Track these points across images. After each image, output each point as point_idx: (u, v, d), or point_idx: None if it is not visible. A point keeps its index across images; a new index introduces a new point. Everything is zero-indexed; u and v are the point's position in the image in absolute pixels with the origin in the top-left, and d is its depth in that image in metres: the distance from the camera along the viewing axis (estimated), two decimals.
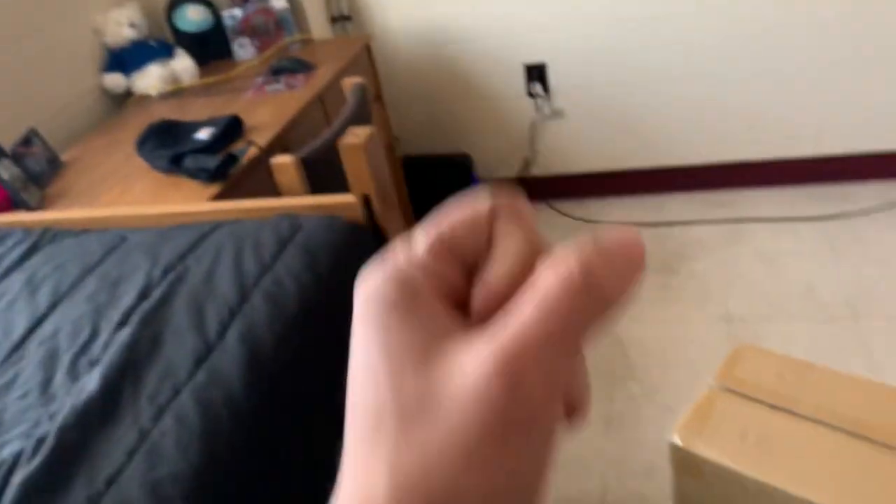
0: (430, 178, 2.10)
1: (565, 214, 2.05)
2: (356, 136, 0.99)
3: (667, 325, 1.60)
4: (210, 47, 1.78)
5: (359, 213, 0.98)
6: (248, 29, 1.77)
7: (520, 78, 1.94)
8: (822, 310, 1.55)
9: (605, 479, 1.28)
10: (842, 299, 1.56)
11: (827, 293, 1.59)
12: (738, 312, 1.59)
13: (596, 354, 1.54)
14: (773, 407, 0.74)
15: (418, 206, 2.03)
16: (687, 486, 0.77)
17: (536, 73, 1.92)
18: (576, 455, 1.34)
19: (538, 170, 2.09)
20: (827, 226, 1.79)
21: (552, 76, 1.92)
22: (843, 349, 1.44)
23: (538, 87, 1.94)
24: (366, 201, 0.99)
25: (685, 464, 0.75)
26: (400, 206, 1.92)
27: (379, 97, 1.92)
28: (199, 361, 0.75)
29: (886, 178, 1.87)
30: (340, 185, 1.01)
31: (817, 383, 0.76)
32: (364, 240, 0.96)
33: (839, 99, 1.79)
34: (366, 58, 1.84)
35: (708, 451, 0.72)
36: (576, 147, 2.04)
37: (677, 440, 0.74)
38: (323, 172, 1.07)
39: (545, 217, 2.06)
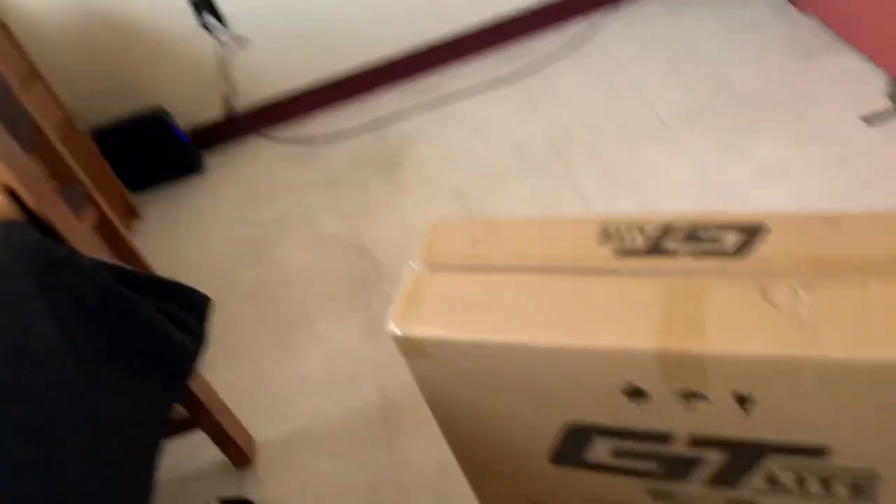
0: (131, 143, 1.93)
1: (283, 141, 1.99)
2: None
3: (404, 219, 1.63)
4: None
5: (8, 210, 0.86)
6: None
7: (186, 13, 1.80)
8: (535, 162, 1.65)
9: (380, 382, 1.31)
10: (549, 148, 1.67)
11: (536, 145, 1.69)
12: (465, 187, 1.65)
13: (343, 270, 1.54)
14: (472, 269, 0.77)
15: (127, 176, 1.87)
16: (420, 368, 0.79)
17: (203, 5, 1.80)
18: (348, 371, 1.34)
19: (242, 102, 1.99)
20: (522, 83, 1.88)
21: (222, 4, 1.81)
22: (559, 193, 1.55)
23: (210, 19, 1.82)
24: (12, 195, 0.87)
25: (410, 349, 0.76)
26: (104, 183, 1.75)
27: (36, 75, 1.70)
28: None
29: (560, 24, 1.99)
30: None
31: (506, 235, 0.80)
32: (20, 234, 0.85)
33: None
34: (3, 38, 1.61)
35: (423, 330, 0.74)
36: (272, 70, 1.96)
37: (396, 330, 0.75)
38: None
39: (263, 149, 1.99)
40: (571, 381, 0.72)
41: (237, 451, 1.22)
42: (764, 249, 0.69)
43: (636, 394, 0.70)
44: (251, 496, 1.19)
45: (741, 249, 0.70)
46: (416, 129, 1.86)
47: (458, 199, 1.62)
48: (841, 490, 0.73)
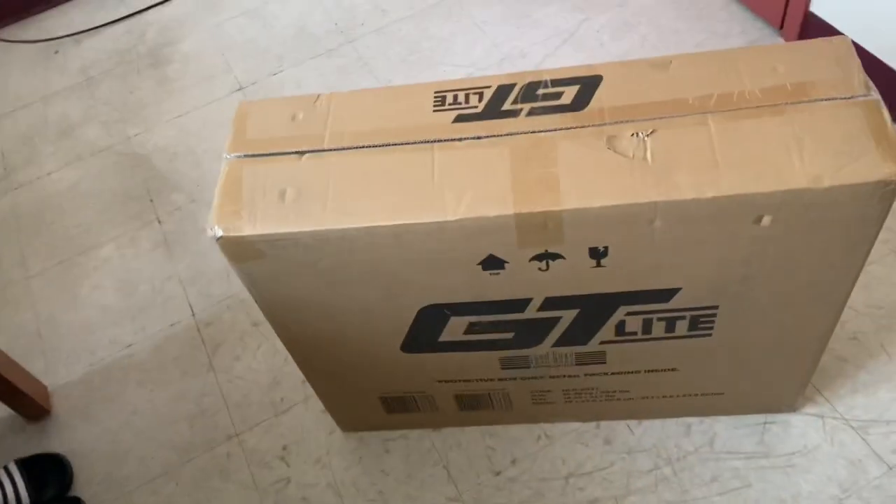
0: None
1: (19, 41, 1.67)
2: None
3: (182, 120, 1.45)
4: None
5: None
6: None
7: None
8: (321, 44, 1.53)
9: (190, 299, 1.18)
10: (334, 29, 1.55)
11: (320, 28, 1.56)
12: (247, 77, 1.50)
13: (119, 185, 1.36)
14: (298, 153, 0.68)
15: None
16: (252, 271, 0.70)
17: None
18: (147, 294, 1.20)
19: None
20: None
21: None
22: (350, 74, 1.46)
23: None
24: None
25: (239, 252, 0.67)
26: None
27: None
28: None
29: None
30: None
31: (330, 112, 0.71)
32: None
33: None
34: None
35: (254, 228, 0.65)
36: None
37: (219, 231, 0.65)
38: None
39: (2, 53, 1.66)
40: (425, 261, 0.67)
41: (30, 404, 1.05)
42: (602, 100, 0.67)
43: (494, 264, 0.67)
44: (56, 450, 1.04)
45: (579, 102, 0.68)
46: (177, 17, 1.64)
47: (241, 91, 1.47)
48: (681, 326, 0.76)
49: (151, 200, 1.33)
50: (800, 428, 0.93)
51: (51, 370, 1.14)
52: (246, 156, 0.69)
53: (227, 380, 1.09)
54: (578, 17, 1.46)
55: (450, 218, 0.63)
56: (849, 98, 0.63)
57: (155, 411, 1.08)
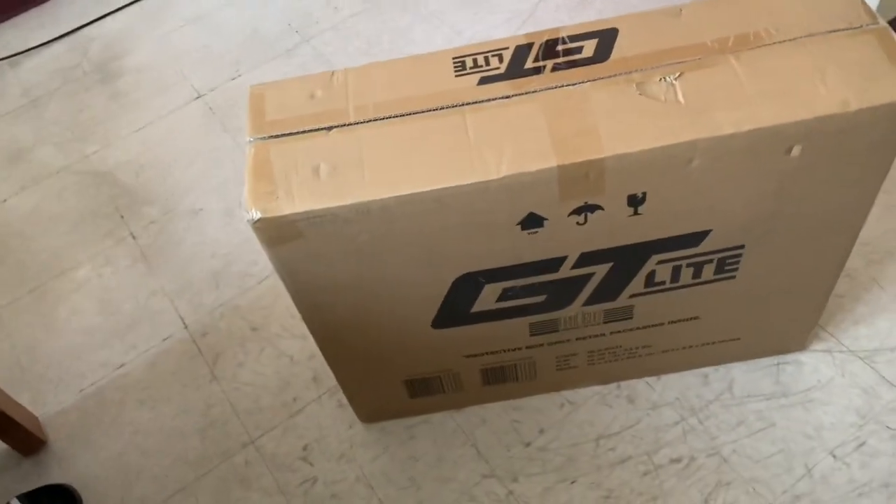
0: None
1: None
2: None
3: (143, 134, 1.40)
4: None
5: None
6: None
7: None
8: (279, 46, 1.50)
9: (180, 311, 1.14)
10: (289, 29, 1.53)
11: (274, 29, 1.54)
12: (205, 84, 1.46)
13: (85, 205, 1.30)
14: (326, 129, 0.67)
15: None
16: (290, 253, 0.67)
17: None
18: (133, 311, 1.15)
19: None
20: None
21: None
22: (312, 72, 1.43)
23: None
24: None
25: (278, 233, 0.65)
26: None
27: None
28: None
29: None
30: None
31: (350, 86, 0.70)
32: None
33: None
34: None
35: (293, 206, 0.63)
36: None
37: (256, 213, 0.63)
38: None
39: None
40: (465, 226, 0.67)
41: (24, 436, 0.99)
42: (623, 49, 0.68)
43: (534, 223, 0.67)
44: (59, 481, 0.98)
45: (601, 54, 0.68)
46: (120, 30, 1.59)
47: (200, 98, 1.43)
48: (708, 270, 0.78)
49: (122, 217, 1.28)
50: (811, 364, 0.96)
51: (39, 401, 1.08)
52: (270, 136, 0.67)
53: (234, 387, 1.05)
54: None
55: (493, 177, 0.63)
56: (859, 27, 0.65)
57: (161, 428, 1.03)
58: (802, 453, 0.89)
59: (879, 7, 1.11)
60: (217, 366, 1.08)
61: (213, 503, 0.96)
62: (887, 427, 0.90)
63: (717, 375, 0.96)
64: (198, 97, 1.44)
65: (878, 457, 0.88)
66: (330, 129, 0.67)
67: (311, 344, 1.04)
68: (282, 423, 1.01)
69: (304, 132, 0.67)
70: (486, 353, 0.87)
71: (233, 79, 1.46)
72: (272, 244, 0.66)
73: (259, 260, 1.16)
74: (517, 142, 0.64)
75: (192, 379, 1.07)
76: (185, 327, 1.13)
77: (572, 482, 0.91)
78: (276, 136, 0.67)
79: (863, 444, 0.89)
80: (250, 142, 0.67)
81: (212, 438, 1.01)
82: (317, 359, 1.04)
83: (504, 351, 0.87)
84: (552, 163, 0.62)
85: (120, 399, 1.06)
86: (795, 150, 0.64)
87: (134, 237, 1.25)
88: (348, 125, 0.67)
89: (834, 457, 0.89)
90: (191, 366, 1.08)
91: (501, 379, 0.92)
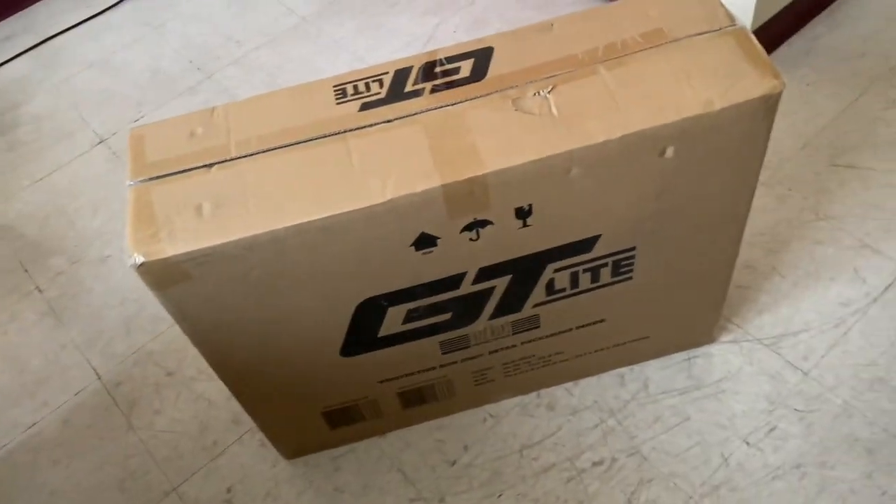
0: None
1: None
2: None
3: (46, 184, 1.36)
4: None
5: None
6: None
7: None
8: (178, 83, 1.48)
9: (93, 363, 1.10)
10: (190, 67, 1.51)
11: (175, 68, 1.52)
12: (107, 128, 1.43)
13: None
14: (207, 166, 0.66)
15: None
16: (179, 296, 0.66)
17: None
18: (42, 368, 1.11)
19: None
20: (132, 5, 1.67)
21: None
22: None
23: None
24: None
25: (165, 275, 0.64)
26: None
27: None
28: None
29: None
30: None
31: (229, 122, 0.69)
32: None
33: None
34: None
35: (178, 247, 0.62)
36: None
37: (139, 258, 0.62)
38: None
39: None
40: (358, 251, 0.67)
41: None
42: (499, 67, 0.70)
43: (426, 242, 0.68)
44: None
45: (478, 73, 0.70)
46: (15, 79, 1.54)
47: (103, 143, 1.39)
48: (605, 274, 0.80)
49: (26, 270, 1.24)
50: (721, 356, 0.99)
51: None
52: (151, 179, 0.66)
53: (151, 436, 1.02)
54: (432, 20, 1.50)
55: (379, 201, 0.63)
56: (718, 30, 0.68)
57: (77, 487, 0.99)
58: (718, 443, 0.92)
59: (756, 8, 1.16)
60: (133, 415, 1.05)
61: None
62: (795, 409, 0.93)
63: (633, 375, 0.98)
64: (100, 142, 1.41)
65: (789, 439, 0.91)
66: (211, 165, 0.66)
67: None
68: (203, 467, 0.99)
69: (184, 171, 0.66)
70: (401, 377, 0.87)
71: (136, 120, 1.43)
72: (160, 288, 0.65)
73: None
74: (401, 164, 0.64)
75: (108, 431, 1.04)
76: (98, 378, 1.09)
77: (499, 496, 0.91)
78: (157, 178, 0.66)
79: (774, 428, 0.92)
80: (130, 185, 0.66)
81: (132, 490, 0.98)
82: (235, 400, 1.03)
83: (418, 372, 0.87)
84: (436, 182, 0.63)
85: (32, 461, 1.02)
86: (669, 152, 0.66)
87: (40, 290, 1.21)
88: (230, 160, 0.66)
89: (748, 444, 0.91)
90: (106, 418, 1.05)
91: (420, 400, 0.92)
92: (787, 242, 1.08)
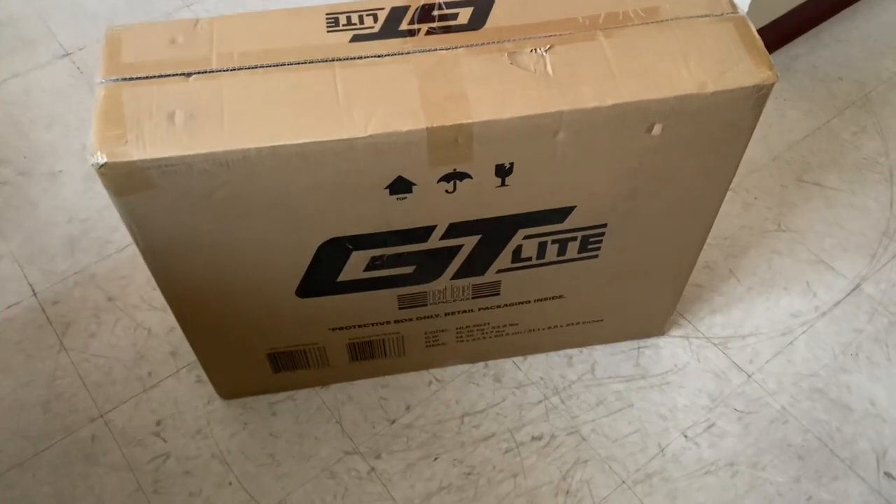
0: None
1: None
2: None
3: (2, 86, 1.30)
4: None
5: None
6: None
7: None
8: (154, 7, 1.43)
9: (30, 278, 1.06)
10: None
11: None
12: (73, 43, 1.37)
13: None
14: (185, 75, 0.63)
15: None
16: (139, 205, 0.63)
17: None
18: None
19: None
20: None
21: None
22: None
23: None
24: None
25: (127, 181, 0.61)
26: None
27: None
28: None
29: None
30: None
31: (214, 34, 0.66)
32: None
33: None
34: None
35: (144, 152, 0.59)
36: None
37: (102, 157, 0.58)
38: None
39: None
40: (331, 186, 0.65)
41: None
42: (497, 19, 0.68)
43: (402, 187, 0.66)
44: None
45: (476, 22, 0.68)
46: None
47: (67, 56, 1.33)
48: (572, 248, 0.79)
49: None
50: (669, 349, 0.99)
51: None
52: (123, 79, 0.63)
53: (84, 359, 0.99)
54: None
55: (360, 134, 0.61)
56: (720, 15, 0.68)
57: None
58: (657, 433, 0.93)
59: (749, 10, 1.17)
60: (67, 336, 1.01)
61: (52, 479, 0.89)
62: (735, 409, 0.94)
63: (581, 357, 0.99)
64: (65, 55, 1.35)
65: (726, 437, 0.92)
66: (189, 75, 0.63)
67: (170, 317, 0.98)
68: (134, 397, 0.95)
69: (160, 76, 0.63)
70: (354, 327, 0.86)
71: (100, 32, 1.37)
72: (120, 193, 0.62)
73: (121, 227, 1.09)
74: (387, 101, 0.63)
75: (37, 349, 1.00)
76: (34, 294, 1.05)
77: (435, 459, 0.90)
78: (130, 79, 0.63)
79: (712, 425, 0.93)
80: (101, 83, 0.63)
81: (56, 412, 0.94)
82: (176, 332, 1.00)
83: (372, 325, 0.86)
84: (421, 124, 0.61)
85: None
86: (656, 129, 0.66)
87: None
88: (210, 72, 0.64)
89: (685, 437, 0.92)
90: (37, 335, 1.01)
91: (369, 354, 0.91)
92: (747, 248, 1.09)
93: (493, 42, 0.66)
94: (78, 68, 1.33)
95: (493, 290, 0.83)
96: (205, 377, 0.93)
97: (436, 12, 0.69)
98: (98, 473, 0.89)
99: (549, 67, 0.65)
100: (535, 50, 0.66)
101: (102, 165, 0.59)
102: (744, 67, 0.64)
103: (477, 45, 0.66)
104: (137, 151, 0.59)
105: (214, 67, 0.64)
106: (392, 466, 0.90)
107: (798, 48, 1.35)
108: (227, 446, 0.91)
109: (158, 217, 0.65)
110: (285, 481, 0.89)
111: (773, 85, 0.65)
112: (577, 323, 0.93)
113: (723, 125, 0.67)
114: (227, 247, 0.70)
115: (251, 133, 0.61)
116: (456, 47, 0.66)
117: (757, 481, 0.89)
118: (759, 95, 0.65)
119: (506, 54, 0.65)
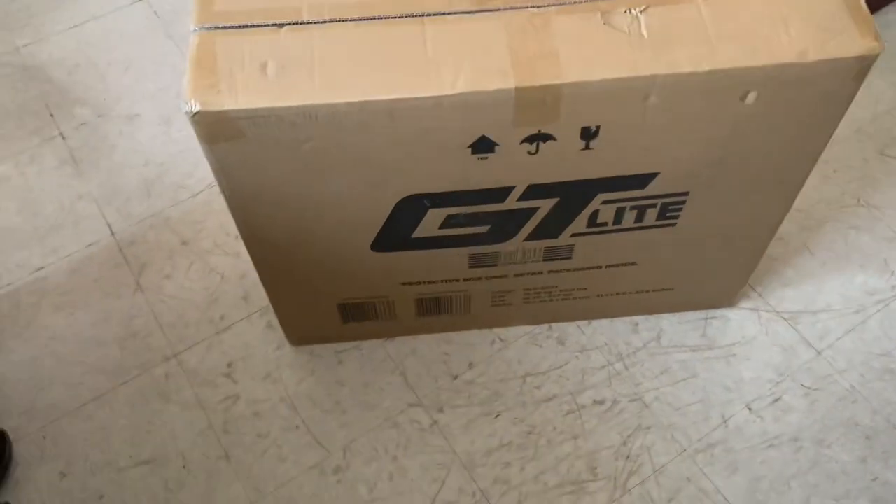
0: None
1: None
2: None
3: (77, 29, 1.32)
4: None
5: None
6: None
7: None
8: None
9: (108, 218, 1.09)
10: None
11: None
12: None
13: (10, 100, 1.22)
14: (277, 25, 0.63)
15: None
16: (228, 154, 0.64)
17: None
18: (57, 214, 1.10)
19: None
20: None
21: None
22: None
23: None
24: None
25: (218, 130, 0.61)
26: None
27: None
28: None
29: None
30: None
31: None
32: None
33: None
34: None
35: (236, 101, 0.60)
36: None
37: (195, 105, 0.59)
38: None
39: None
40: (415, 143, 0.65)
41: None
42: None
43: (485, 147, 0.66)
44: None
45: None
46: None
47: (146, 0, 1.35)
48: (651, 215, 0.78)
49: (52, 115, 1.21)
50: (738, 321, 0.98)
51: None
52: (216, 27, 0.64)
53: (159, 300, 1.02)
54: None
55: (447, 92, 0.61)
56: None
57: (78, 336, 0.99)
58: (720, 404, 0.92)
59: None
60: (143, 276, 1.04)
61: (129, 413, 0.93)
62: (802, 385, 0.93)
63: (647, 325, 0.98)
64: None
65: (791, 412, 0.91)
66: (281, 25, 0.63)
67: (243, 263, 1.01)
68: (207, 339, 0.98)
69: (253, 26, 0.63)
70: (423, 283, 0.86)
71: None
72: (211, 141, 0.63)
73: (195, 172, 1.12)
74: (476, 59, 0.62)
75: (114, 288, 1.03)
76: (112, 235, 1.08)
77: (496, 416, 0.91)
78: (224, 28, 0.63)
79: (778, 399, 0.92)
80: (195, 31, 0.63)
81: (132, 349, 0.98)
82: (249, 278, 1.02)
83: (441, 282, 0.86)
84: (510, 84, 0.61)
85: (35, 303, 1.02)
86: (750, 97, 0.64)
87: (63, 137, 1.18)
88: (301, 24, 0.64)
89: (749, 409, 0.92)
90: (115, 275, 1.04)
91: (436, 311, 0.92)
92: (823, 222, 1.06)
93: (587, 0, 0.64)
94: (155, 12, 1.34)
95: (565, 253, 0.83)
96: (275, 323, 0.96)
97: None
98: (171, 411, 0.93)
99: (643, 28, 0.63)
100: (630, 10, 0.64)
101: (196, 114, 0.60)
102: (848, 36, 0.62)
103: (569, 2, 0.64)
104: (230, 101, 0.60)
105: (305, 19, 0.64)
106: (454, 420, 0.91)
107: (890, 14, 1.29)
108: (295, 391, 0.94)
109: (246, 166, 0.66)
110: (349, 428, 0.91)
111: (876, 56, 0.62)
112: (647, 291, 0.93)
113: (820, 95, 0.65)
114: (309, 198, 0.71)
115: (341, 87, 0.61)
116: (548, 5, 0.64)
117: (821, 458, 0.88)
118: (861, 66, 0.62)
119: (599, 13, 0.64)
